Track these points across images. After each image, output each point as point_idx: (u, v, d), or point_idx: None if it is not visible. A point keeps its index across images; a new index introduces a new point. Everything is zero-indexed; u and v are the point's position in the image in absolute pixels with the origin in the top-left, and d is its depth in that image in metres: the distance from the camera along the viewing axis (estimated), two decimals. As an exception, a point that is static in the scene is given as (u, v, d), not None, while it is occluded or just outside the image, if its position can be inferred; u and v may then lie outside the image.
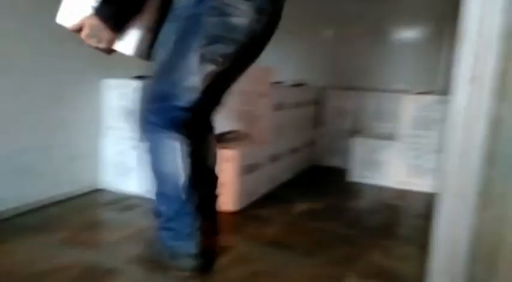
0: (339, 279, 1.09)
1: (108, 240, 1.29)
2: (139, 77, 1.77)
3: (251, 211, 1.60)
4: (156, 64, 1.00)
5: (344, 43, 2.62)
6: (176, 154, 1.00)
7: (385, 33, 2.54)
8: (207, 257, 1.08)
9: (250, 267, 1.14)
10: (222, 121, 1.85)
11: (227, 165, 1.55)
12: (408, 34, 2.61)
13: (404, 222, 1.58)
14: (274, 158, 1.90)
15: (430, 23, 2.49)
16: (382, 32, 2.55)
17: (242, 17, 0.93)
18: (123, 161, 1.75)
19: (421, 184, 2.02)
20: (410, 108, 2.04)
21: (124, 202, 1.64)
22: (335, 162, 2.41)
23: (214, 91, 1.03)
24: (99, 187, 1.79)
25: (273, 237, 1.36)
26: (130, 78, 1.74)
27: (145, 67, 1.06)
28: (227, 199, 1.56)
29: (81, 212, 1.52)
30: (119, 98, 1.73)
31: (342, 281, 1.08)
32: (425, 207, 1.79)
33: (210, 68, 0.95)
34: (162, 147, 1.01)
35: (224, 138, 1.76)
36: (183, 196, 1.00)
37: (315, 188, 2.03)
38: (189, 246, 1.02)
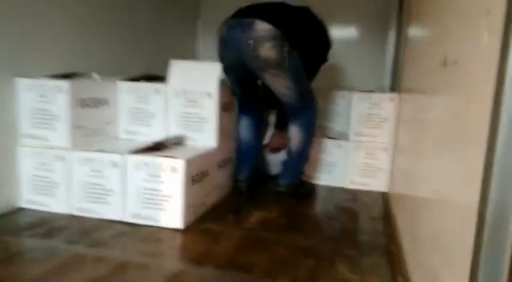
0: (308, 305, 0.97)
1: (30, 277, 1.05)
2: (64, 76, 1.51)
3: (200, 226, 1.43)
4: None
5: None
6: None
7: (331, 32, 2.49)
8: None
9: (206, 299, 0.97)
10: (166, 126, 1.66)
11: (172, 176, 1.36)
12: (354, 32, 2.59)
13: (363, 227, 1.51)
14: (222, 165, 1.74)
15: (375, 21, 2.49)
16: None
17: None
18: (45, 175, 1.48)
19: (372, 183, 1.99)
20: (359, 106, 2.00)
21: (48, 225, 1.38)
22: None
23: None
24: (18, 206, 1.51)
25: (228, 257, 1.20)
26: (51, 77, 1.48)
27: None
28: (172, 215, 1.38)
29: (-8, 241, 1.24)
30: (38, 100, 1.46)
31: (311, 307, 0.96)
32: (381, 208, 1.74)
33: None
34: None
35: (166, 145, 1.57)
36: None
37: (266, 194, 1.91)
38: None
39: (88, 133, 1.55)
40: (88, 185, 1.45)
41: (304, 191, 1.89)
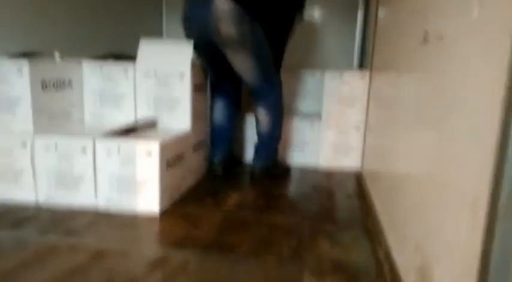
0: (297, 281, 0.97)
1: (3, 269, 0.98)
2: (23, 55, 1.40)
3: (178, 210, 1.40)
4: None
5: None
6: None
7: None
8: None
9: (193, 281, 0.96)
10: (136, 108, 1.59)
11: (147, 160, 1.31)
12: (322, 11, 2.58)
13: (340, 204, 1.54)
14: (197, 147, 1.70)
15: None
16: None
17: None
18: (7, 162, 1.38)
19: (345, 162, 2.02)
20: (331, 85, 2.01)
21: (14, 215, 1.30)
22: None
23: None
24: (-23, 198, 1.41)
25: (209, 239, 1.19)
26: (8, 57, 1.37)
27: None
28: (148, 200, 1.34)
29: (-48, 235, 1.15)
30: (-6, 83, 1.35)
31: (299, 284, 0.96)
32: (355, 186, 1.78)
33: None
34: None
35: (140, 129, 1.51)
36: None
37: (242, 176, 1.90)
38: None
39: (52, 117, 1.46)
40: (56, 172, 1.37)
41: (279, 171, 1.89)
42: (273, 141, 1.83)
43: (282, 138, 1.88)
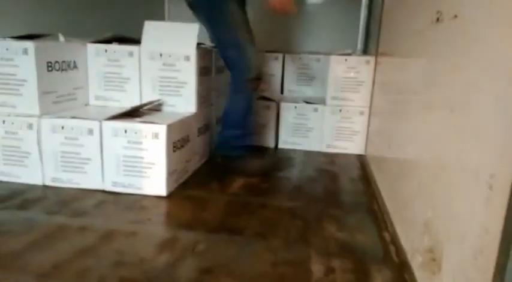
0: (304, 263, 0.98)
1: (12, 250, 0.99)
2: (28, 37, 1.39)
3: (184, 193, 1.41)
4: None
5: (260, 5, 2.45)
6: None
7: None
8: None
9: (201, 262, 0.97)
10: (140, 91, 1.58)
11: (154, 142, 1.31)
12: (326, -7, 2.55)
13: (345, 188, 1.54)
14: (202, 131, 1.70)
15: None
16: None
17: None
18: (14, 144, 1.38)
19: (349, 147, 2.03)
20: (335, 70, 1.99)
21: (21, 196, 1.31)
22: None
23: None
24: (-16, 179, 1.41)
25: (217, 222, 1.20)
26: (14, 38, 1.35)
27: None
28: (155, 182, 1.34)
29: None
30: (0, 64, 1.34)
31: (308, 265, 0.97)
32: (359, 170, 1.78)
33: None
34: None
35: (145, 112, 1.50)
36: None
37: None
38: None
39: (58, 99, 1.45)
40: (62, 154, 1.37)
41: (236, 166, 1.63)
42: (226, 128, 1.64)
43: (287, 122, 1.86)
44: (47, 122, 1.36)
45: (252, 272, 0.94)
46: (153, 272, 0.92)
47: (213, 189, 1.47)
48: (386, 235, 1.14)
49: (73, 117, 1.35)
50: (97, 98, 1.62)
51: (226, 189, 1.47)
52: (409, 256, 0.95)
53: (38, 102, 1.36)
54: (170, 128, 1.32)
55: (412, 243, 0.95)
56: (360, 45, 2.44)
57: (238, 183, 1.54)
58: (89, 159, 1.36)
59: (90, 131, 1.34)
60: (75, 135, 1.35)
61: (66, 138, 1.36)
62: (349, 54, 2.02)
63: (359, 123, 2.00)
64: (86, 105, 1.61)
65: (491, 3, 0.61)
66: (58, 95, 1.45)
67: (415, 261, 0.90)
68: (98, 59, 1.58)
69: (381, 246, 1.08)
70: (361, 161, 1.92)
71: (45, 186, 1.40)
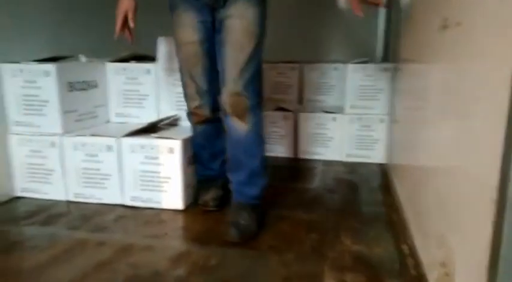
0: (317, 277, 0.97)
1: (34, 264, 1.03)
2: (50, 60, 1.45)
3: (200, 206, 1.42)
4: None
5: (275, 15, 2.47)
6: None
7: (318, 3, 2.44)
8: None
9: (213, 277, 0.97)
10: (158, 107, 1.62)
11: (169, 157, 1.34)
12: (342, 1, 2.53)
13: (364, 199, 1.51)
14: (219, 143, 1.72)
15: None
16: (313, 2, 2.45)
17: None
18: (39, 162, 1.45)
19: (370, 155, 1.99)
20: (353, 78, 1.97)
21: (46, 212, 1.36)
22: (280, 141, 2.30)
23: None
24: (13, 195, 1.48)
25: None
26: (36, 62, 1.42)
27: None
28: (172, 196, 1.36)
29: (-11, 232, 1.22)
30: (24, 86, 1.41)
31: (321, 279, 0.96)
32: (380, 179, 1.75)
33: None
34: None
35: (162, 127, 1.54)
36: None
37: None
38: None
39: (79, 117, 1.51)
40: (84, 170, 1.42)
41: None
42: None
43: (306, 131, 1.84)
44: (68, 140, 1.41)
45: (263, 287, 0.93)
46: (166, 286, 0.93)
47: (228, 200, 1.47)
48: (405, 248, 1.11)
49: (92, 135, 1.40)
50: (117, 115, 1.68)
51: (243, 202, 1.47)
52: (426, 270, 0.92)
53: (60, 121, 1.42)
54: (185, 142, 1.35)
55: (429, 256, 0.91)
56: (378, 53, 2.40)
57: (255, 195, 1.54)
58: (108, 174, 1.40)
59: (109, 148, 1.38)
60: (95, 152, 1.40)
61: (86, 155, 1.40)
62: (367, 62, 2.00)
63: (379, 131, 1.96)
64: (106, 122, 1.66)
65: (489, 11, 0.59)
66: (79, 113, 1.51)
67: (432, 276, 0.86)
68: (117, 77, 1.63)
69: (398, 259, 1.05)
70: (382, 170, 1.87)
71: (68, 202, 1.45)
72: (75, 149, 1.41)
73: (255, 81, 1.20)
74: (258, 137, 1.24)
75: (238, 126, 1.19)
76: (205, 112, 1.31)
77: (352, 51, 2.40)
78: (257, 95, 1.21)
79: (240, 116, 1.18)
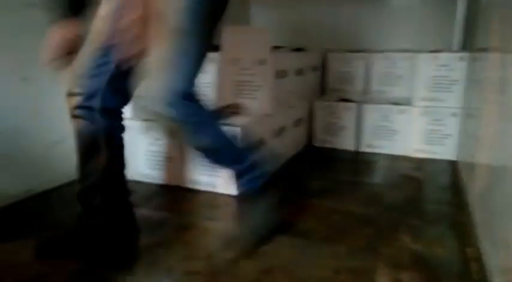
0: (369, 272, 0.93)
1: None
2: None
3: (257, 193, 1.43)
4: None
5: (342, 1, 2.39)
6: None
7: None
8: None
9: (262, 263, 0.98)
10: (218, 95, 1.66)
11: (227, 143, 1.36)
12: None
13: (429, 197, 1.42)
14: (278, 133, 1.72)
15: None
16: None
17: None
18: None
19: (440, 151, 1.85)
20: (425, 68, 1.84)
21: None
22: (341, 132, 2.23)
23: None
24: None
25: (284, 223, 1.20)
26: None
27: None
28: (228, 181, 1.39)
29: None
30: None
31: (373, 275, 0.92)
32: (449, 177, 1.63)
33: None
34: None
35: (221, 114, 1.57)
36: None
37: (323, 163, 1.86)
38: None
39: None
40: (147, 152, 1.50)
41: None
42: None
43: (370, 124, 1.75)
44: (134, 124, 1.51)
45: (312, 277, 0.92)
46: (217, 267, 0.96)
47: (285, 190, 1.47)
48: (469, 251, 1.02)
49: (158, 120, 1.48)
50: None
51: (299, 192, 1.47)
52: (491, 276, 0.84)
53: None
54: (244, 129, 1.37)
55: (496, 262, 0.83)
56: (456, 41, 2.21)
57: (312, 185, 1.52)
58: (172, 158, 1.48)
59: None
60: (160, 136, 1.47)
61: (151, 138, 1.49)
62: (440, 51, 1.85)
63: (451, 126, 1.82)
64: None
65: None
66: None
67: (497, 283, 0.79)
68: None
69: (460, 263, 0.97)
70: (452, 167, 1.74)
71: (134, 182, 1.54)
72: (140, 134, 1.50)
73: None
74: None
75: None
76: None
77: (425, 40, 2.24)
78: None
79: None
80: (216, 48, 1.67)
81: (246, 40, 1.61)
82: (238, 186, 1.12)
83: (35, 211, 1.27)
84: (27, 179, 1.37)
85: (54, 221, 1.19)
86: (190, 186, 1.46)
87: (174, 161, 1.47)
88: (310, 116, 2.10)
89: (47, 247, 1.00)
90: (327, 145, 2.06)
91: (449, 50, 1.99)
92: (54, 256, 0.98)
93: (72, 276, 0.92)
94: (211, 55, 1.63)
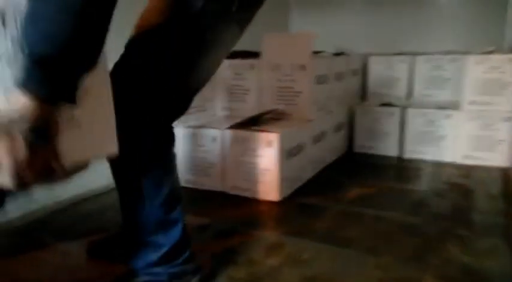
0: (415, 284, 0.90)
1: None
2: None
3: (296, 200, 1.43)
4: None
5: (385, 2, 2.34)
6: None
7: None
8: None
9: (305, 271, 0.97)
10: (257, 101, 1.68)
11: (268, 150, 1.37)
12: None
13: (479, 206, 1.35)
14: (318, 138, 1.70)
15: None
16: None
17: None
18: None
19: (490, 158, 1.76)
20: (474, 70, 1.76)
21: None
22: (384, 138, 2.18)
23: None
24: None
25: (327, 231, 1.18)
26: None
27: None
28: (269, 188, 1.40)
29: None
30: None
31: (418, 287, 0.89)
32: (500, 185, 1.54)
33: None
34: None
35: (261, 120, 1.58)
36: None
37: (365, 169, 1.82)
38: None
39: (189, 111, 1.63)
40: (191, 159, 1.54)
41: None
42: None
43: (414, 129, 1.71)
44: (178, 131, 1.55)
45: (355, 287, 0.90)
46: (259, 274, 0.96)
47: (326, 197, 1.46)
48: (526, 265, 0.96)
49: (200, 127, 1.51)
50: (223, 109, 1.78)
51: (341, 199, 1.44)
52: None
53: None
54: (283, 136, 1.37)
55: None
56: (507, 41, 2.10)
57: (354, 193, 1.50)
58: (212, 163, 1.50)
59: (214, 139, 1.48)
60: (203, 142, 1.51)
61: (195, 144, 1.52)
62: (491, 52, 1.77)
63: (503, 131, 1.72)
64: (213, 115, 1.77)
65: None
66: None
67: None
68: (224, 72, 1.73)
69: (515, 278, 0.92)
70: (504, 175, 1.64)
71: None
72: (185, 139, 1.54)
73: None
74: None
75: None
76: None
77: (472, 40, 2.14)
78: None
79: None
80: (256, 55, 1.68)
81: (286, 45, 1.62)
82: None
83: (87, 213, 1.33)
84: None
85: (108, 222, 1.25)
86: (232, 192, 1.48)
87: (215, 167, 1.50)
88: (351, 121, 2.07)
89: (99, 248, 1.04)
90: (368, 151, 2.02)
91: (500, 51, 1.89)
92: (105, 257, 1.02)
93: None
94: (252, 61, 1.66)
